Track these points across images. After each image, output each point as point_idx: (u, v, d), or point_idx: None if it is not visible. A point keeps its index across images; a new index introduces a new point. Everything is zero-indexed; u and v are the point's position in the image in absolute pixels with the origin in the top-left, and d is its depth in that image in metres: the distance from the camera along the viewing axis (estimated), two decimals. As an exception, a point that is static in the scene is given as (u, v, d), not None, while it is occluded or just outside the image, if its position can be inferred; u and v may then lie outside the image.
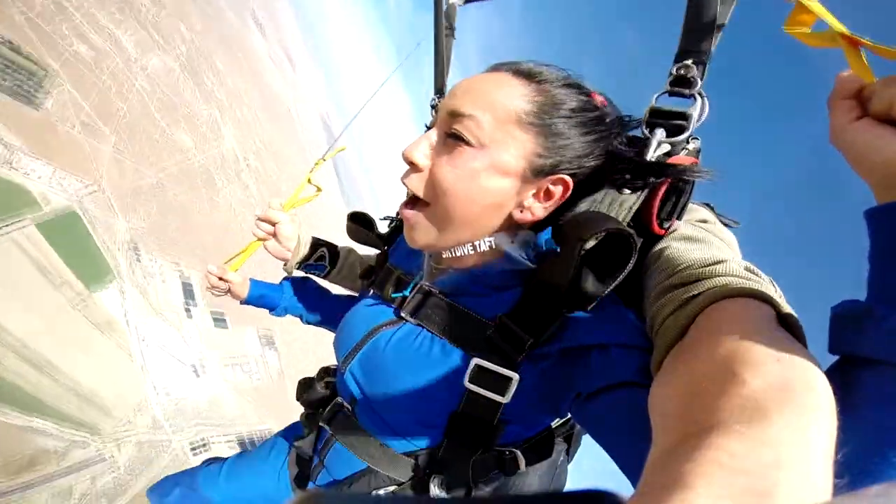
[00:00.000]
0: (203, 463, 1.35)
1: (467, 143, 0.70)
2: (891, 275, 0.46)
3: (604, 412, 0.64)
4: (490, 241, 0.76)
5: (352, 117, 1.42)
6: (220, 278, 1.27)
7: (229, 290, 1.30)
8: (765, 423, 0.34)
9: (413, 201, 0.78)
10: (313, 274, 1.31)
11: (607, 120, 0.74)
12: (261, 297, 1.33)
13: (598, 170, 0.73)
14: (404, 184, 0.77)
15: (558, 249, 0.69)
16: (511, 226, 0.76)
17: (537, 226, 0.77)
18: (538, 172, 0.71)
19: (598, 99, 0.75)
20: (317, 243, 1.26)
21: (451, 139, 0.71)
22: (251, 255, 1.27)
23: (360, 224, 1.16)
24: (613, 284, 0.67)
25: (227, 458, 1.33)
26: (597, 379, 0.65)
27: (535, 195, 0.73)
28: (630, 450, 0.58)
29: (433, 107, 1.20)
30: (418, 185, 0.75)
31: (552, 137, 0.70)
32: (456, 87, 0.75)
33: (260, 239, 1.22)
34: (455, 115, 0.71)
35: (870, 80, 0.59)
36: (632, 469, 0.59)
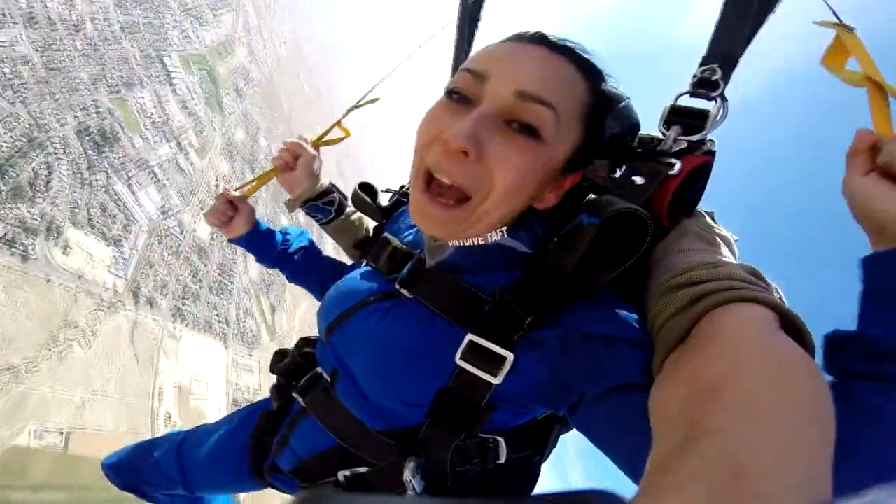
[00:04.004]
0: (163, 435, 1.27)
1: (536, 138, 0.62)
2: (878, 310, 0.54)
3: (610, 416, 0.61)
4: (502, 231, 0.73)
5: (387, 73, 1.37)
6: (231, 202, 1.16)
7: (231, 220, 1.17)
8: (765, 425, 0.34)
9: (443, 192, 0.66)
10: (315, 217, 1.20)
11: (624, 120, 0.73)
12: (259, 239, 1.21)
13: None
14: (438, 169, 0.65)
15: (578, 224, 0.66)
16: (525, 211, 0.73)
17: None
18: (571, 168, 0.69)
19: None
20: (331, 188, 1.19)
21: (516, 127, 0.62)
22: (266, 182, 1.20)
23: (366, 193, 1.11)
24: (623, 267, 0.65)
25: (188, 430, 1.23)
26: (603, 378, 0.62)
27: (556, 186, 0.70)
28: (636, 450, 0.56)
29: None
30: (464, 178, 0.64)
31: (591, 138, 0.68)
32: (524, 61, 0.63)
33: (278, 167, 1.15)
34: (529, 99, 0.61)
35: (884, 131, 0.62)
36: (637, 471, 0.57)
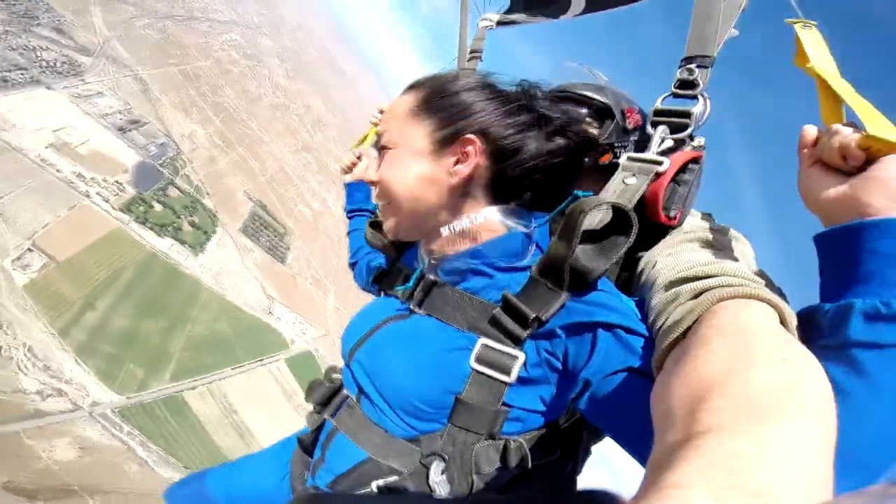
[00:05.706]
0: (216, 465, 1.34)
1: (390, 148, 0.85)
2: (829, 283, 0.57)
3: (616, 399, 0.63)
4: (470, 219, 0.83)
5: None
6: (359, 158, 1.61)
7: (351, 168, 1.62)
8: (767, 423, 0.34)
9: (383, 206, 0.90)
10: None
11: (498, 86, 0.85)
12: (362, 191, 1.60)
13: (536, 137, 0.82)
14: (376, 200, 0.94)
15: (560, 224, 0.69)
16: (454, 194, 0.83)
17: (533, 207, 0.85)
18: (443, 143, 0.82)
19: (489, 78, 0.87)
20: None
21: (382, 150, 0.88)
22: (368, 138, 1.62)
23: (377, 230, 1.13)
24: (616, 257, 0.67)
25: (236, 459, 1.33)
26: (605, 367, 0.64)
27: (455, 161, 0.81)
28: (642, 435, 0.55)
29: None
30: (379, 194, 0.89)
31: (441, 114, 0.82)
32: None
33: (376, 125, 1.44)
34: (380, 135, 0.90)
35: (829, 122, 0.65)
36: (643, 455, 0.58)
